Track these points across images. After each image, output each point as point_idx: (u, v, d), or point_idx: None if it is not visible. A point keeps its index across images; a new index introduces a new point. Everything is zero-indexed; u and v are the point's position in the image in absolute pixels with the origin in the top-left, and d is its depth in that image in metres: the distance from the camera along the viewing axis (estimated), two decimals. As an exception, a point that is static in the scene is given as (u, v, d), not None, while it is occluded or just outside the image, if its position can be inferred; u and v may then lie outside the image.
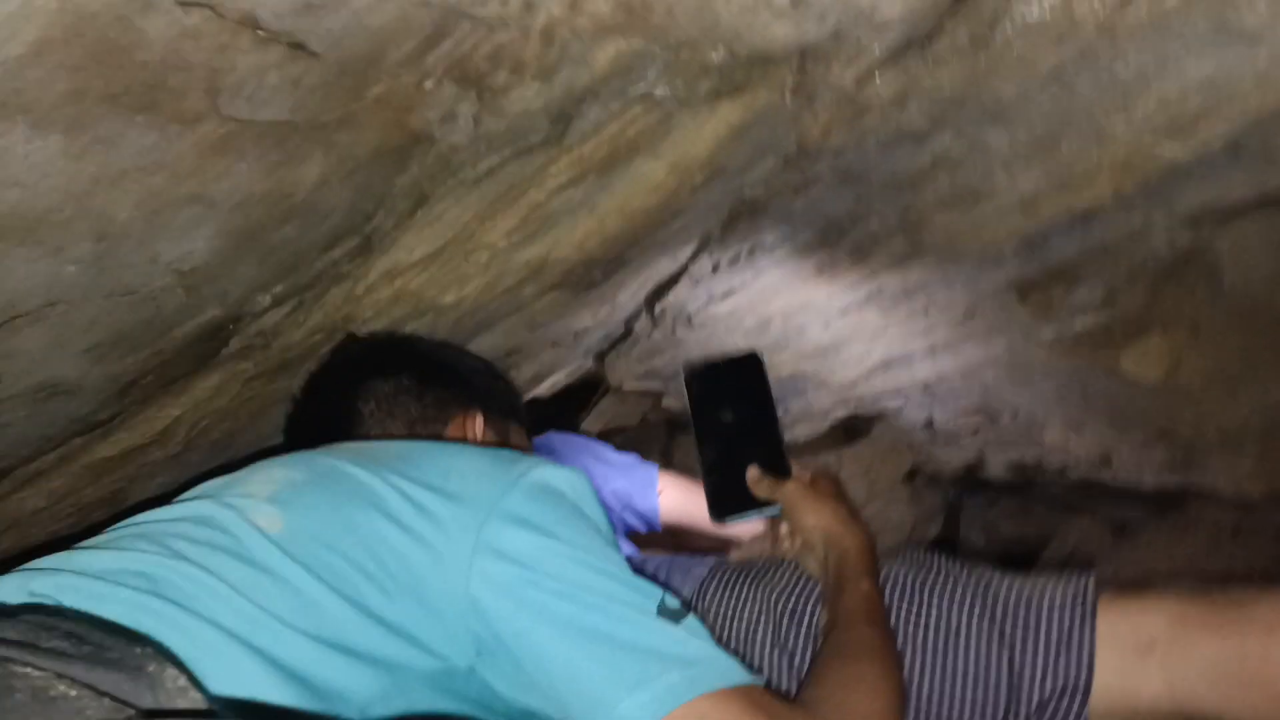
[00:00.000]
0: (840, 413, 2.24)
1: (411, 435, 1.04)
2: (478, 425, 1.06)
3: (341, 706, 0.73)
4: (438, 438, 1.05)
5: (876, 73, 1.00)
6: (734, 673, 0.74)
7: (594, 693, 0.71)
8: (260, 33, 0.68)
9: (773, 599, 1.08)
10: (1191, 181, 1.19)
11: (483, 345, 1.39)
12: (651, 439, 2.88)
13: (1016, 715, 0.98)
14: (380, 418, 1.05)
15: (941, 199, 1.20)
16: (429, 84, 0.87)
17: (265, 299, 1.03)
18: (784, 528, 1.05)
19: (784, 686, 1.02)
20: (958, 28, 0.91)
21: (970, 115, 1.05)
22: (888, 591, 1.05)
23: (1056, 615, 1.00)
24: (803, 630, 1.04)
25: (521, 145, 1.00)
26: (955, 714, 0.99)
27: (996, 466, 2.32)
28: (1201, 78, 0.91)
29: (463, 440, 1.05)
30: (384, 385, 1.06)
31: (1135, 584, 1.05)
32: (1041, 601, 1.02)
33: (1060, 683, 0.97)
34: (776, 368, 2.05)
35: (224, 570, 0.73)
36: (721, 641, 1.00)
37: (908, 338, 1.72)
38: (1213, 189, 1.23)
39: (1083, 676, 0.96)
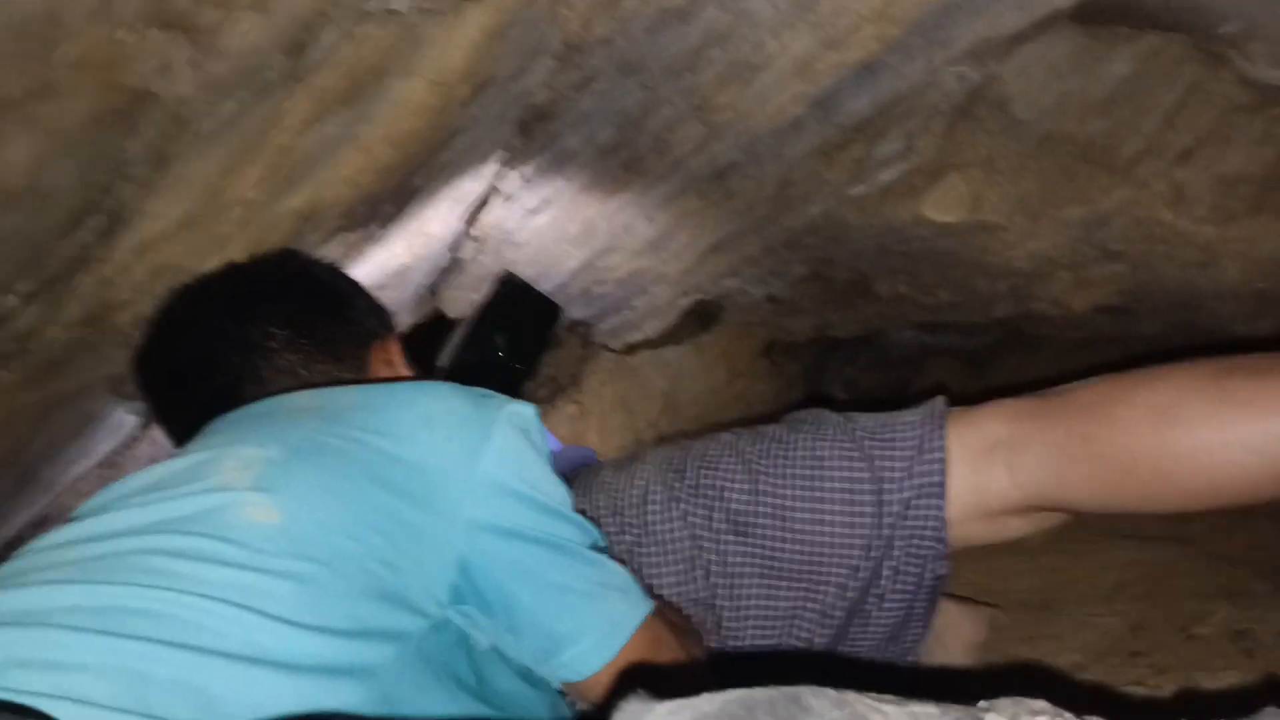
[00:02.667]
0: (684, 302, 2.24)
1: (340, 376, 0.93)
2: (398, 354, 0.99)
3: (368, 683, 0.69)
4: (364, 372, 0.95)
5: (620, -47, 0.95)
6: (646, 595, 0.84)
7: (562, 631, 0.78)
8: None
9: (659, 461, 1.20)
10: (960, 16, 1.19)
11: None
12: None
13: (880, 520, 1.07)
14: (300, 361, 0.91)
15: (721, 76, 1.18)
16: (125, 34, 0.79)
17: (11, 300, 0.94)
18: None
19: (674, 535, 1.12)
20: (688, -107, 0.87)
21: (727, -17, 1.02)
22: (765, 444, 1.15)
23: (911, 429, 1.10)
24: (687, 483, 1.14)
25: (259, 85, 0.93)
26: (825, 530, 1.08)
27: (843, 326, 2.38)
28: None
29: (392, 373, 0.98)
30: (287, 322, 0.92)
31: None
32: (897, 420, 1.12)
33: (918, 484, 1.06)
34: (612, 269, 2.03)
35: (223, 588, 0.66)
36: (619, 507, 1.15)
37: (728, 218, 1.72)
38: (985, 22, 1.24)
39: (937, 477, 1.05)
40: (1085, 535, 1.93)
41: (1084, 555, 1.91)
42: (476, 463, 0.78)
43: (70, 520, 0.75)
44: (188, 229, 0.94)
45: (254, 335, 0.92)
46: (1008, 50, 1.37)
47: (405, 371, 1.01)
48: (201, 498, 0.71)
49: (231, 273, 0.98)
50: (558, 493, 0.83)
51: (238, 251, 0.99)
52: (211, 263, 0.97)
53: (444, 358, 0.99)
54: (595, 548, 0.83)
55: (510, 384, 1.01)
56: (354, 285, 1.04)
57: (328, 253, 1.22)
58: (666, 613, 0.91)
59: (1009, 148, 1.44)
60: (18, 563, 0.72)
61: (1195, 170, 1.42)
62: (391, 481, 0.74)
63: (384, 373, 0.99)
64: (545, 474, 0.82)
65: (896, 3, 1.01)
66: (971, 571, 1.87)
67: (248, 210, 0.95)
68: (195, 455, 0.77)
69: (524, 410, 0.84)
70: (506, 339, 0.99)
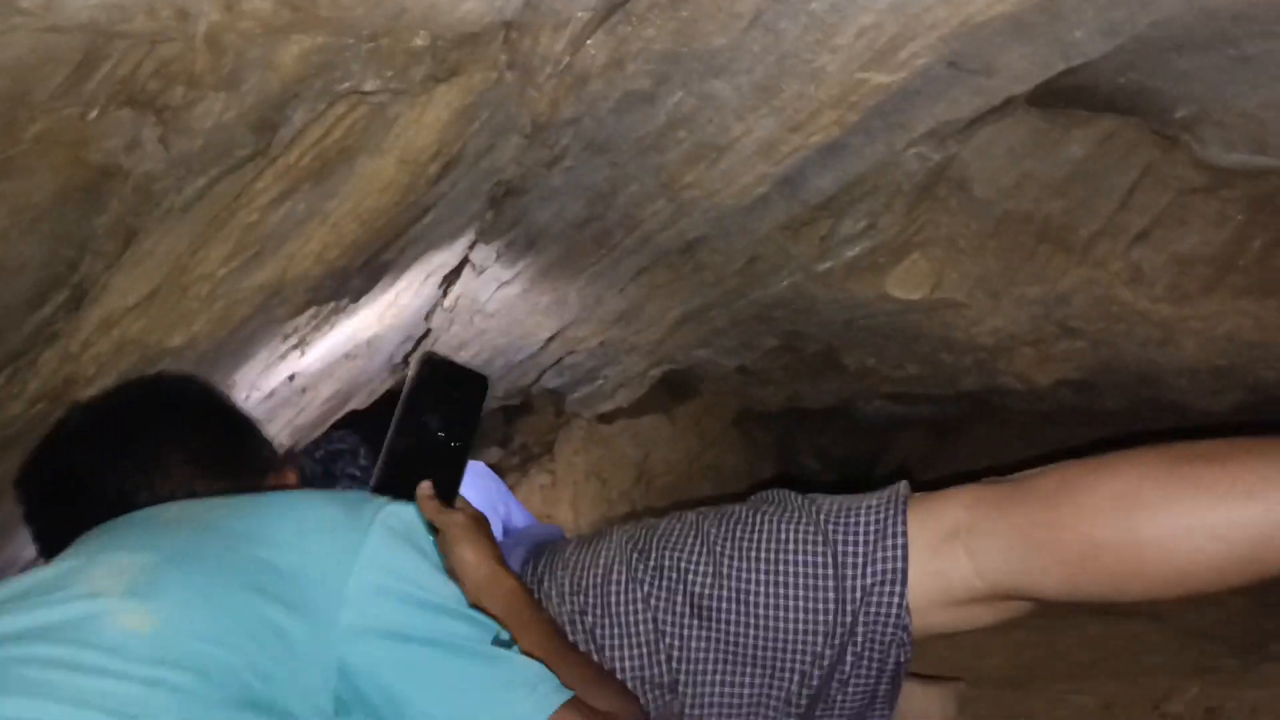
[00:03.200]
0: (656, 372, 2.25)
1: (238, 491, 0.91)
2: (294, 482, 1.00)
3: None
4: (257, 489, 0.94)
5: (587, 39, 0.98)
6: (561, 688, 0.80)
7: None
8: None
9: (623, 541, 1.18)
10: (919, 101, 1.23)
11: (251, 374, 1.32)
12: (489, 429, 2.84)
13: (842, 607, 1.05)
14: (198, 479, 0.90)
15: (687, 156, 1.20)
16: (95, 114, 0.80)
17: (-29, 375, 0.93)
18: None
19: (636, 618, 1.11)
20: (651, -17, 0.90)
21: (691, 69, 1.04)
22: (728, 526, 1.14)
23: (872, 514, 1.08)
24: (650, 565, 1.13)
25: (229, 162, 0.94)
26: (788, 615, 1.07)
27: (813, 397, 2.39)
28: (889, 3, 0.93)
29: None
30: (188, 442, 0.91)
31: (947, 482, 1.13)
32: (859, 505, 1.11)
33: (879, 571, 1.05)
34: (584, 340, 2.04)
35: (98, 697, 0.65)
36: (581, 586, 1.14)
37: (698, 291, 1.74)
38: (942, 106, 1.27)
39: (898, 564, 1.04)
40: (1057, 610, 1.92)
41: (1056, 631, 1.89)
42: (351, 567, 0.77)
43: None
44: (153, 304, 0.94)
45: (154, 452, 0.91)
46: (967, 132, 1.41)
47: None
48: (74, 605, 0.70)
49: (133, 391, 0.98)
50: (446, 590, 0.81)
51: (204, 326, 0.99)
52: (175, 339, 0.97)
53: (383, 450, 0.99)
54: (498, 642, 0.82)
55: (454, 462, 1.02)
56: (250, 420, 1.04)
57: (296, 325, 1.22)
58: (600, 701, 0.88)
59: (970, 226, 1.47)
60: None
61: (1152, 250, 1.45)
62: (267, 589, 0.74)
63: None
64: (429, 573, 0.81)
65: (856, 89, 1.04)
66: (942, 648, 1.86)
67: (214, 285, 0.95)
68: (68, 562, 0.76)
69: (402, 512, 0.84)
70: (440, 418, 0.99)
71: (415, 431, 0.99)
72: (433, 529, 0.94)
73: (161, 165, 0.90)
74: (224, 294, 0.97)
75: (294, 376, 1.53)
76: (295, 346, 1.33)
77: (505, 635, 0.83)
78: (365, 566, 0.77)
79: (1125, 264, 1.46)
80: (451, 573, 0.89)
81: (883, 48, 0.98)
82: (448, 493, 1.00)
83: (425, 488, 0.98)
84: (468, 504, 1.03)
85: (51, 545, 0.92)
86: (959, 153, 1.45)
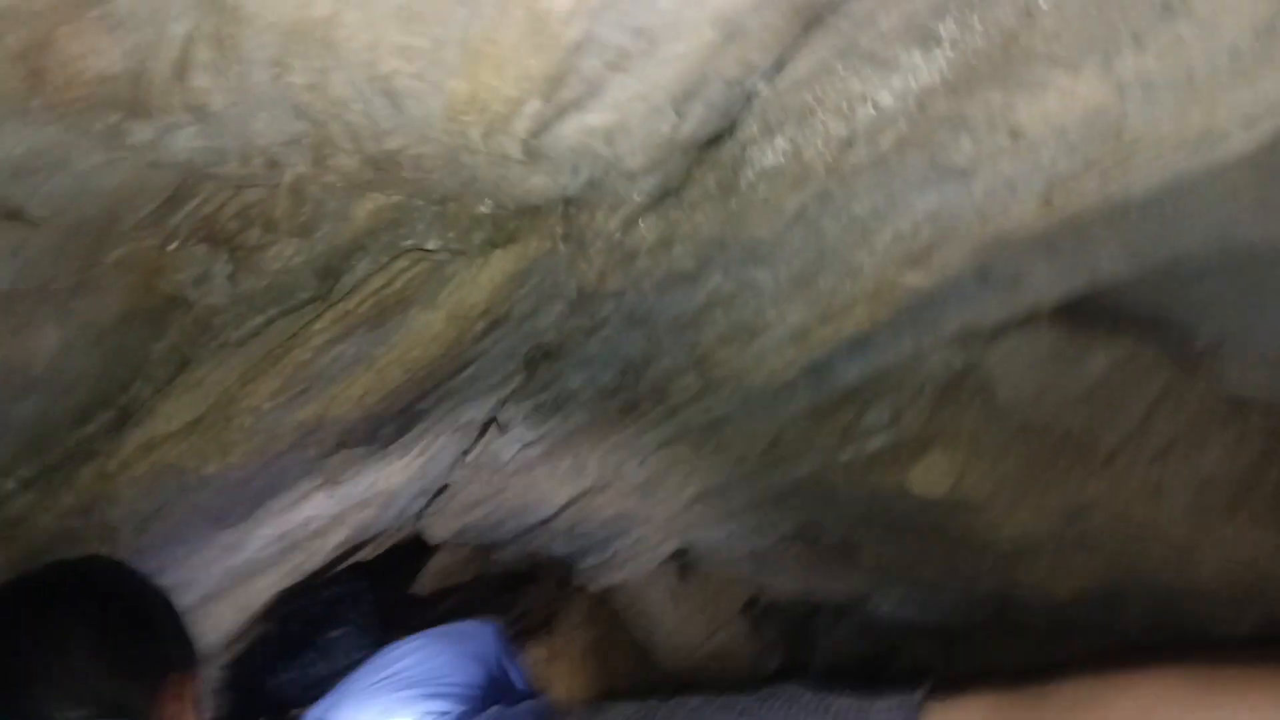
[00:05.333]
0: (666, 548, 2.23)
1: (133, 699, 0.89)
2: (191, 693, 0.96)
3: None
4: (151, 701, 0.91)
5: (640, 219, 1.03)
6: None
7: None
8: (-38, 204, 0.65)
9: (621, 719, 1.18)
10: (948, 306, 1.27)
11: (275, 509, 1.33)
12: (488, 592, 2.80)
13: None
14: (97, 665, 0.88)
15: (721, 336, 1.24)
16: (174, 246, 0.85)
17: (10, 484, 0.95)
18: None
19: None
20: (706, 175, 0.96)
21: (734, 256, 1.09)
22: (732, 716, 1.12)
23: (885, 715, 1.06)
24: None
25: (289, 303, 0.98)
26: None
27: (826, 591, 2.35)
28: (927, 211, 0.99)
29: (178, 709, 0.94)
30: (91, 627, 0.90)
31: (961, 685, 1.11)
32: (871, 707, 1.08)
33: None
34: (599, 509, 2.04)
35: None
36: None
37: (718, 468, 1.75)
38: (970, 312, 1.32)
39: None
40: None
41: None
42: None
43: None
44: (195, 431, 0.96)
45: (55, 632, 0.89)
46: (991, 340, 1.45)
47: (190, 715, 0.96)
48: None
49: (48, 573, 0.97)
50: None
51: (239, 458, 1.01)
52: (211, 466, 0.99)
53: None
54: None
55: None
56: (168, 610, 1.02)
57: (325, 466, 1.24)
58: None
59: (991, 430, 1.49)
60: None
61: (1172, 468, 1.46)
62: None
63: (170, 708, 0.94)
64: None
65: (889, 288, 1.09)
66: None
67: (258, 419, 0.98)
68: None
69: None
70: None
71: None
72: None
73: (225, 300, 0.94)
74: (266, 427, 1.00)
75: (309, 520, 1.54)
76: (320, 487, 1.35)
77: None
78: None
79: (1144, 481, 1.47)
80: None
81: (918, 251, 1.04)
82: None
83: None
84: None
85: None
86: (983, 358, 1.49)
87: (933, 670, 2.27)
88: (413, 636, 1.75)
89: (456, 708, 1.51)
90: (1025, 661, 1.23)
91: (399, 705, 1.51)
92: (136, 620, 0.96)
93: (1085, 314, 1.37)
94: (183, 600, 1.48)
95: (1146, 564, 1.59)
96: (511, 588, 2.79)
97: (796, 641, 2.81)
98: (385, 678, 1.59)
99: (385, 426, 1.26)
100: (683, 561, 2.55)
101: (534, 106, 0.75)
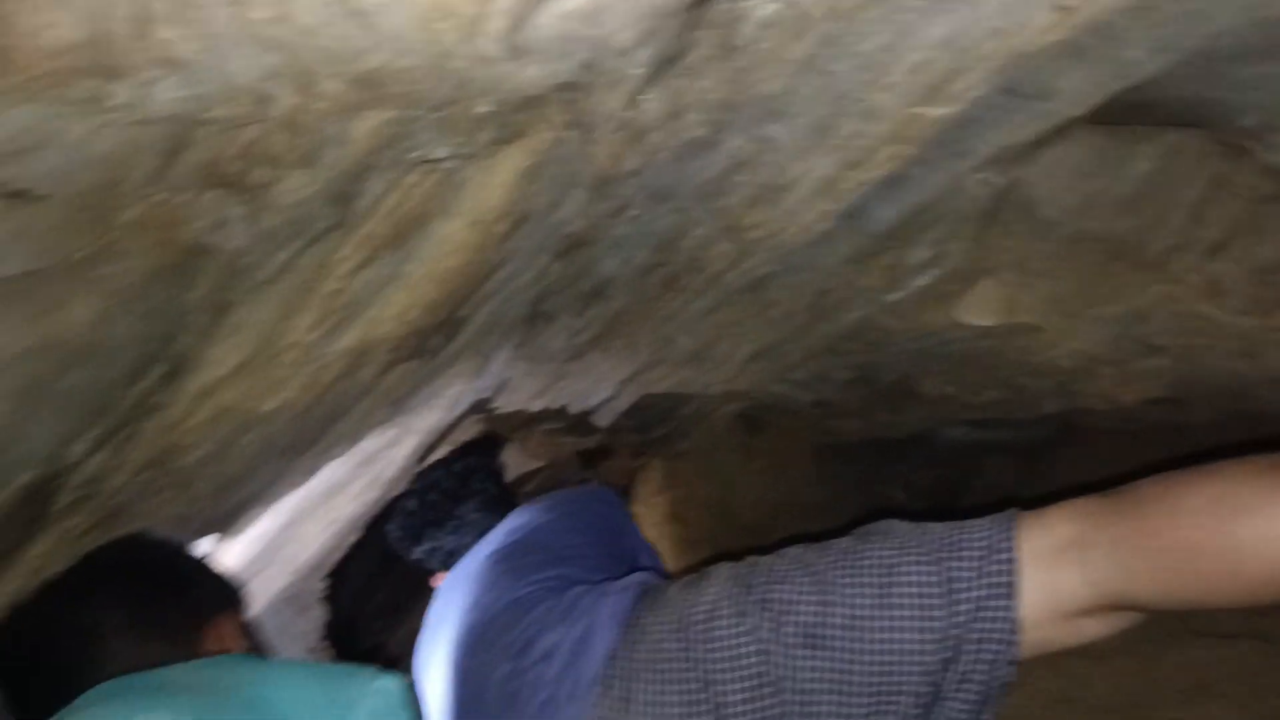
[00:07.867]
0: (732, 409, 2.25)
1: (174, 654, 0.96)
2: (232, 631, 1.04)
3: None
4: (196, 648, 0.99)
5: (643, 94, 1.00)
6: None
7: None
8: (-36, 195, 0.66)
9: (725, 579, 1.24)
10: (978, 129, 1.23)
11: (342, 431, 1.36)
12: (565, 472, 2.87)
13: (952, 621, 1.08)
14: (132, 639, 0.97)
15: (749, 198, 1.22)
16: (185, 197, 0.85)
17: (81, 447, 0.98)
18: None
19: (743, 650, 1.14)
20: (702, 37, 0.93)
21: (747, 116, 1.06)
22: (833, 556, 1.18)
23: (981, 531, 1.12)
24: (754, 599, 1.16)
25: (310, 234, 0.98)
26: (899, 636, 1.09)
27: (893, 426, 2.37)
28: (939, 39, 0.94)
29: (221, 648, 1.02)
30: (123, 605, 0.99)
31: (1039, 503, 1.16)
32: (967, 525, 1.15)
33: (988, 584, 1.08)
34: (657, 381, 2.06)
35: None
36: (685, 623, 1.18)
37: (768, 327, 1.74)
38: (1002, 132, 1.27)
39: (1007, 577, 1.07)
40: (1160, 635, 1.86)
41: (1159, 656, 1.84)
42: None
43: None
44: (246, 373, 0.98)
45: (89, 620, 0.97)
46: (1029, 155, 1.40)
47: (237, 645, 1.04)
48: None
49: (71, 573, 1.02)
50: None
51: (295, 391, 1.03)
52: (269, 404, 1.02)
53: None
54: None
55: None
56: (196, 564, 1.10)
57: (388, 383, 1.26)
58: None
59: (1039, 249, 1.45)
60: None
61: (1229, 263, 1.42)
62: None
63: (213, 650, 1.02)
64: None
65: (912, 124, 1.05)
66: (1045, 678, 1.82)
67: (302, 352, 1.00)
68: None
69: (387, 687, 0.87)
70: None
71: None
72: None
73: (247, 241, 0.95)
74: (314, 359, 1.01)
75: (378, 436, 1.58)
76: (381, 404, 1.37)
77: None
78: None
79: (1202, 278, 1.43)
80: None
81: (937, 82, 0.99)
82: None
83: None
84: None
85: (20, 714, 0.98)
86: (1023, 176, 1.44)
87: (1005, 493, 2.31)
88: (537, 502, 1.83)
89: (582, 573, 1.57)
90: (1099, 473, 1.24)
91: (529, 570, 1.57)
92: (160, 586, 1.03)
93: (1124, 114, 1.31)
94: (271, 525, 1.55)
95: (1212, 361, 1.56)
96: (588, 463, 2.86)
97: (870, 480, 2.85)
98: (515, 544, 1.66)
99: (432, 338, 1.27)
100: (749, 419, 2.58)
101: (505, 3, 0.72)
